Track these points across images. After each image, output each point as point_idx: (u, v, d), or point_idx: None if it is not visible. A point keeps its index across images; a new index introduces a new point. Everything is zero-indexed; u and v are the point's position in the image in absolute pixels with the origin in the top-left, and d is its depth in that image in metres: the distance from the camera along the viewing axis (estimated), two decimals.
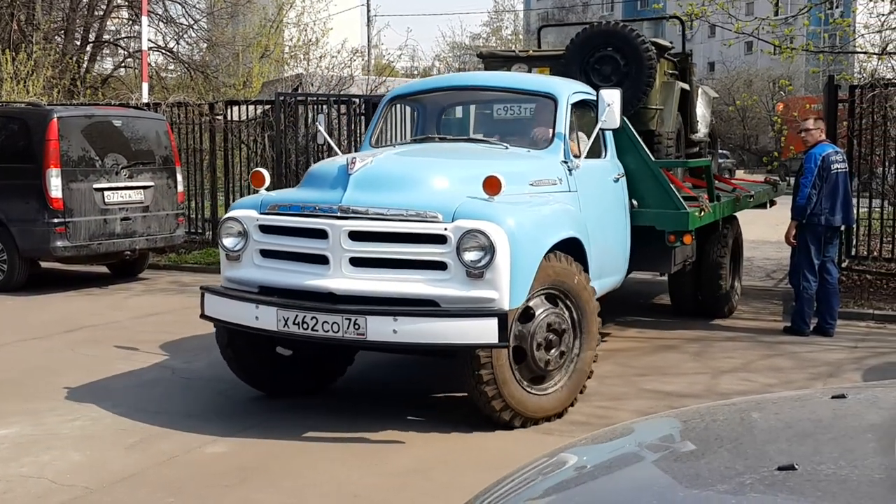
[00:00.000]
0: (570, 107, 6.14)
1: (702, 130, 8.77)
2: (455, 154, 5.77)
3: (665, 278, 9.09)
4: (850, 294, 8.67)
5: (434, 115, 6.85)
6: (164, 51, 21.29)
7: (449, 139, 6.25)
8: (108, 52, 22.99)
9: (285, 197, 5.26)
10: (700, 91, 8.85)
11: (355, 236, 4.77)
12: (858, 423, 1.97)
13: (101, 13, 20.58)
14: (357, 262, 4.79)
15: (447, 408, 5.40)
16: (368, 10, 39.27)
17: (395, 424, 5.12)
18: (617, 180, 6.59)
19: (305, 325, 4.69)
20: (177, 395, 5.74)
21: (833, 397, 2.18)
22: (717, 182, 8.41)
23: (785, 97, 24.61)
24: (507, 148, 5.90)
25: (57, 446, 4.80)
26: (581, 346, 5.22)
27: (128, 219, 9.92)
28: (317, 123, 6.99)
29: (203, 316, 5.25)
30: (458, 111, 7.06)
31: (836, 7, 14.91)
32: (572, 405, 5.24)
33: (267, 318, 4.81)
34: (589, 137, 6.18)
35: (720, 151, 10.52)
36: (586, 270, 5.37)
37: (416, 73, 37.89)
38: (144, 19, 16.12)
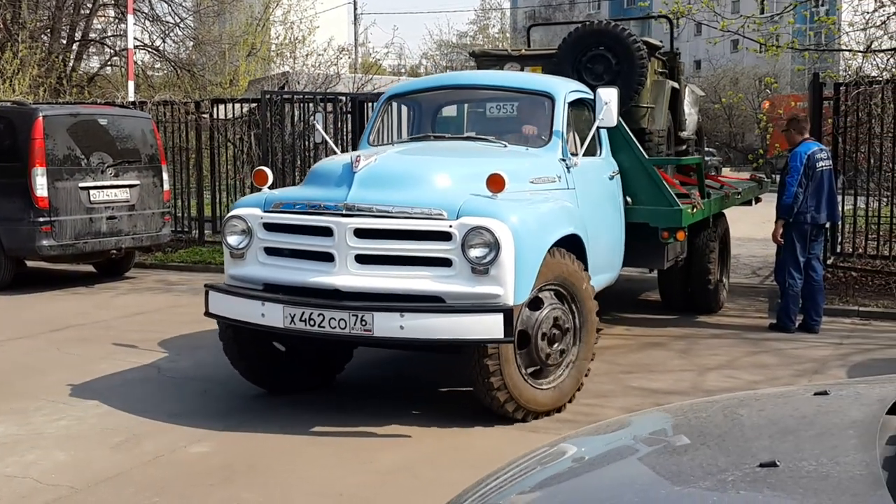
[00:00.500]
0: (567, 105, 6.21)
1: (689, 128, 8.83)
2: (456, 152, 5.82)
3: (653, 275, 9.16)
4: (835, 291, 8.72)
5: (432, 113, 6.89)
6: (150, 49, 21.18)
7: (447, 137, 6.30)
8: (94, 50, 22.86)
9: (289, 195, 5.29)
10: (687, 90, 8.91)
11: (360, 234, 4.82)
12: (840, 420, 1.98)
13: (88, 11, 20.45)
14: (362, 259, 4.83)
15: (434, 405, 5.40)
16: (355, 8, 39.22)
17: (382, 422, 5.12)
18: (612, 178, 6.67)
19: (312, 322, 4.72)
20: (162, 395, 5.72)
21: (816, 394, 2.19)
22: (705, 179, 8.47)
23: (771, 95, 24.72)
24: (505, 146, 5.96)
25: (42, 446, 4.77)
26: (580, 341, 5.30)
27: (114, 217, 9.86)
28: (315, 122, 7.04)
29: (207, 313, 5.27)
30: (456, 110, 7.10)
31: (822, 5, 14.97)
32: (570, 400, 5.31)
33: (273, 315, 4.83)
34: (585, 136, 6.24)
35: (707, 149, 10.58)
36: (585, 267, 5.45)
37: (403, 71, 37.86)
38: (130, 17, 16.04)
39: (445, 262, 4.73)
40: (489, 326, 4.56)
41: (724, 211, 8.68)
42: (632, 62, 7.13)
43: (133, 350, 6.89)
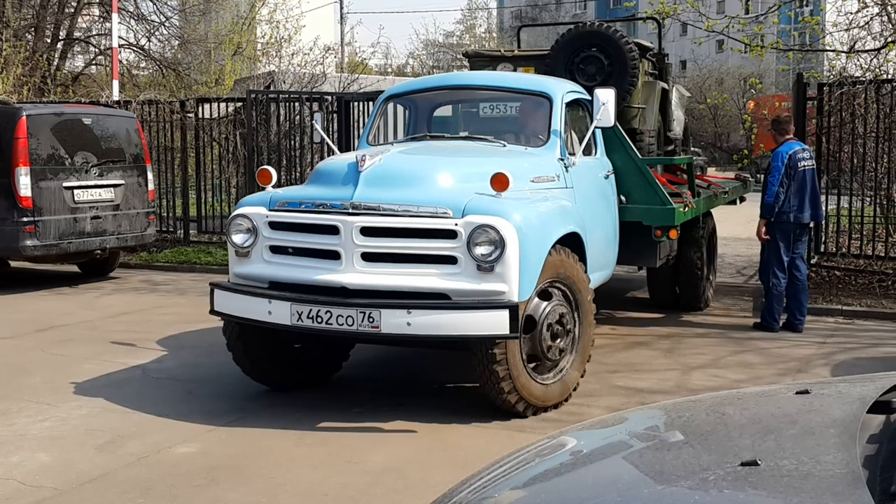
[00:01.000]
0: (564, 106, 6.28)
1: (677, 129, 8.92)
2: (459, 152, 5.90)
3: (639, 274, 9.22)
4: (818, 290, 8.78)
5: (430, 113, 6.96)
6: (135, 48, 21.04)
7: (447, 137, 6.36)
8: (78, 49, 22.68)
9: (295, 194, 5.34)
10: (675, 90, 8.99)
11: (367, 232, 4.88)
12: (822, 419, 1.99)
13: (72, 10, 20.28)
14: (368, 256, 4.89)
15: (421, 405, 5.40)
16: (341, 8, 39.12)
17: (369, 422, 5.11)
18: (607, 177, 6.77)
19: (320, 319, 4.76)
20: (147, 395, 5.68)
21: (797, 393, 2.21)
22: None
23: (755, 95, 24.85)
24: (504, 146, 6.03)
25: (25, 447, 4.74)
26: (580, 336, 5.40)
27: (98, 217, 9.81)
28: (314, 122, 7.10)
29: (213, 311, 5.31)
30: (454, 110, 7.16)
31: (806, 5, 15.07)
32: (567, 399, 5.37)
33: (280, 312, 4.88)
34: (581, 136, 6.35)
35: (692, 149, 10.65)
36: (584, 264, 5.56)
37: (389, 70, 37.81)
38: (115, 16, 15.93)
39: (451, 260, 4.81)
40: (495, 323, 4.64)
41: (711, 210, 8.77)
42: (624, 63, 7.24)
43: (118, 350, 6.85)
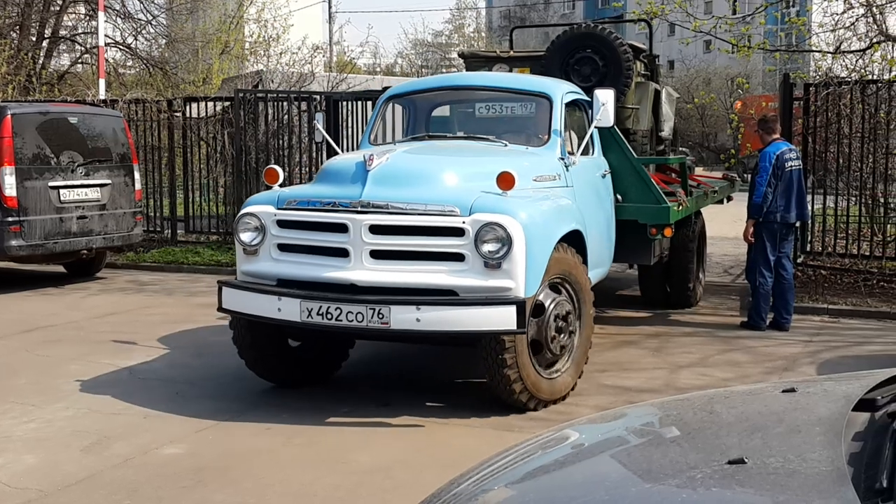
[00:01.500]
0: (563, 106, 6.37)
1: (667, 129, 9.00)
2: (463, 151, 5.98)
3: (627, 272, 9.27)
4: (804, 289, 8.83)
5: (431, 113, 7.04)
6: (121, 47, 20.92)
7: (449, 137, 6.43)
8: (64, 47, 22.53)
9: (303, 193, 5.41)
10: (664, 91, 9.06)
11: (376, 230, 4.96)
12: (808, 417, 2.00)
13: (58, 8, 20.14)
14: (377, 254, 4.97)
15: (408, 405, 5.39)
16: (330, 7, 39.04)
17: (358, 422, 5.11)
18: (604, 176, 6.87)
19: (329, 316, 4.84)
20: (133, 396, 5.65)
21: (784, 391, 2.22)
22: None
23: (742, 95, 24.96)
24: (506, 145, 6.11)
25: (10, 449, 4.70)
26: (580, 332, 5.54)
27: (84, 217, 9.75)
28: (315, 122, 7.16)
29: (221, 309, 5.36)
30: (455, 110, 7.23)
31: (792, 6, 15.15)
32: (565, 397, 5.46)
33: (290, 309, 4.95)
34: (580, 136, 6.48)
35: (680, 149, 10.71)
36: (585, 262, 5.68)
37: (378, 70, 37.77)
38: (101, 15, 15.84)
39: (458, 257, 4.90)
40: (503, 318, 4.74)
41: (700, 209, 8.86)
42: (618, 64, 7.35)
43: (104, 351, 6.81)
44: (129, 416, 5.22)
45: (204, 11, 23.22)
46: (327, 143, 6.96)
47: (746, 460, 1.68)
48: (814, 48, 11.51)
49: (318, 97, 11.66)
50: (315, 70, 17.75)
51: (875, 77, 9.77)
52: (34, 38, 19.76)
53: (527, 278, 4.90)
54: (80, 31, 21.68)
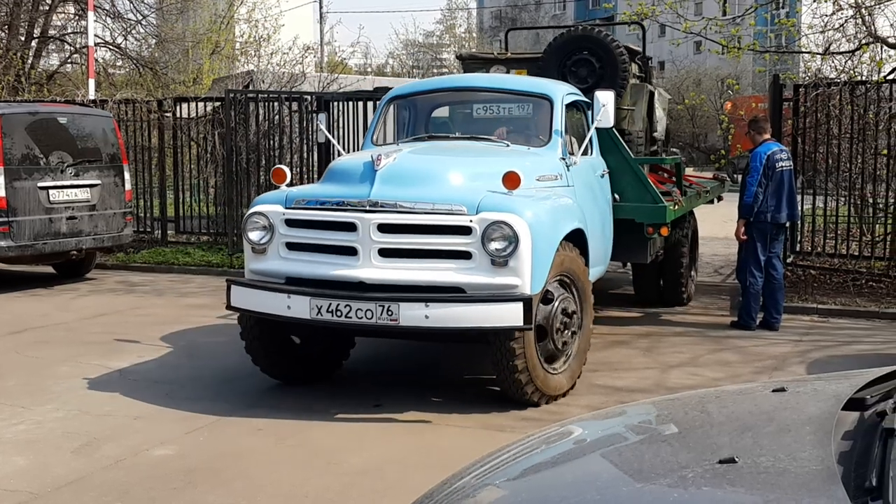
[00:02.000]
0: (564, 107, 6.45)
1: (660, 130, 9.06)
2: (467, 152, 6.05)
3: (618, 272, 9.31)
4: (794, 289, 8.87)
5: (431, 114, 7.12)
6: (111, 46, 20.83)
7: (451, 137, 6.49)
8: (53, 47, 22.41)
9: (311, 192, 5.48)
10: (656, 93, 9.12)
11: (384, 228, 5.04)
12: (798, 416, 2.01)
13: (47, 8, 20.03)
14: (385, 252, 5.06)
15: (400, 406, 5.39)
16: (321, 7, 39.00)
17: (349, 423, 5.11)
18: (603, 176, 6.96)
19: (339, 313, 4.92)
20: (124, 398, 5.63)
21: (774, 391, 2.23)
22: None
23: (732, 96, 25.05)
24: (507, 146, 6.19)
25: (0, 451, 4.67)
26: (581, 328, 5.66)
27: (74, 218, 9.71)
28: (318, 122, 7.23)
29: (229, 307, 5.42)
30: (456, 111, 7.29)
31: (782, 7, 15.21)
32: (566, 393, 5.54)
33: (299, 307, 5.03)
34: (579, 136, 6.61)
35: (671, 149, 10.78)
36: (586, 260, 5.79)
37: (369, 70, 37.74)
38: (91, 14, 15.77)
39: (465, 255, 4.99)
40: (510, 315, 4.84)
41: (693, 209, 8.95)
42: (614, 66, 7.45)
43: (94, 352, 6.79)
44: (120, 418, 5.20)
45: (194, 11, 23.15)
46: (326, 143, 7.00)
47: (737, 460, 1.69)
48: (803, 49, 11.56)
49: (308, 97, 11.64)
50: (306, 70, 17.72)
51: (864, 78, 9.82)
52: (23, 38, 19.65)
53: (533, 276, 4.98)
54: (69, 30, 21.58)
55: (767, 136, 7.72)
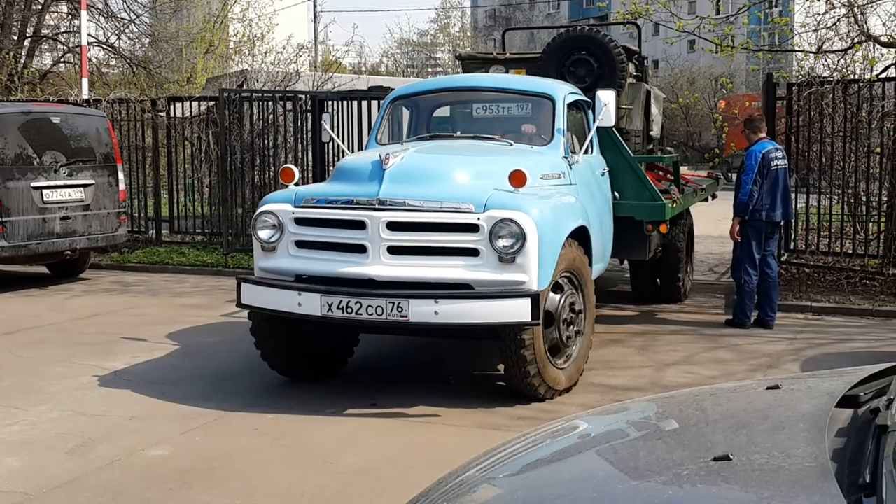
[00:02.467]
0: (566, 106, 6.51)
1: (656, 129, 9.10)
2: (473, 151, 6.11)
3: (613, 271, 9.34)
4: (788, 287, 8.89)
5: (432, 114, 7.18)
6: (104, 46, 20.77)
7: (456, 136, 6.53)
8: (46, 47, 22.34)
9: (321, 191, 5.55)
10: (653, 92, 9.16)
11: (393, 226, 5.11)
12: (792, 414, 2.02)
13: (40, 7, 19.96)
14: (394, 250, 5.13)
15: (395, 405, 5.40)
16: (315, 6, 38.94)
17: (345, 422, 5.11)
18: (603, 174, 7.03)
19: (350, 310, 4.99)
20: (118, 398, 5.62)
21: (768, 388, 2.23)
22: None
23: (726, 95, 25.09)
24: (511, 144, 6.25)
25: None
26: (584, 325, 5.77)
27: (67, 218, 9.68)
28: (322, 122, 7.27)
29: (240, 304, 5.47)
30: (460, 110, 7.34)
31: (775, 6, 15.25)
32: (566, 390, 5.61)
33: (310, 304, 5.09)
34: (580, 135, 6.70)
35: (666, 148, 10.83)
36: (590, 257, 5.88)
37: (363, 69, 37.70)
38: (84, 14, 15.73)
39: (473, 252, 5.07)
40: (518, 310, 4.93)
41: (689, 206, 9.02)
42: (612, 66, 7.52)
43: (88, 353, 6.77)
44: (115, 418, 5.19)
45: (188, 10, 23.11)
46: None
47: (732, 457, 1.70)
48: (796, 48, 11.60)
49: (303, 97, 11.62)
50: (300, 69, 17.70)
51: (857, 77, 9.85)
52: (15, 37, 19.58)
53: (539, 272, 5.07)
54: (62, 30, 21.51)
55: (763, 134, 7.74)
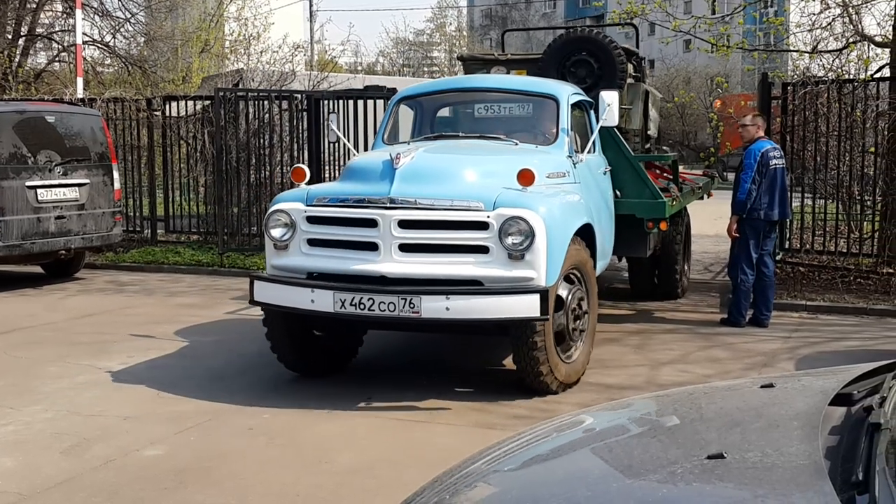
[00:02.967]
0: (569, 106, 6.60)
1: (652, 128, 9.14)
2: (480, 150, 6.20)
3: (609, 269, 9.37)
4: (783, 286, 8.91)
5: (436, 114, 7.24)
6: (99, 45, 20.73)
7: (462, 136, 6.60)
8: (41, 45, 22.28)
9: (332, 190, 5.65)
10: (650, 92, 9.21)
11: (404, 224, 5.20)
12: (786, 412, 2.02)
13: (34, 6, 19.91)
14: (405, 247, 5.21)
15: (389, 404, 5.40)
16: (311, 5, 38.92)
17: (340, 422, 5.10)
18: (605, 173, 7.11)
19: (362, 306, 5.08)
20: (113, 398, 5.61)
21: (762, 387, 2.24)
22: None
23: (722, 94, 25.13)
24: (516, 144, 6.33)
25: None
26: (589, 320, 5.89)
27: (62, 217, 9.66)
28: (329, 122, 7.33)
29: (252, 301, 5.56)
30: (464, 110, 7.40)
31: (770, 6, 15.28)
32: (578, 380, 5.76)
33: (323, 300, 5.17)
34: (583, 135, 6.80)
35: (662, 147, 10.88)
36: (594, 254, 5.98)
37: (359, 68, 37.70)
38: (79, 12, 15.69)
39: (483, 250, 5.17)
40: (527, 306, 5.03)
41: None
42: (612, 67, 7.61)
43: (83, 352, 6.76)
44: (109, 418, 5.18)
45: (183, 9, 23.07)
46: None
47: (726, 455, 1.70)
48: (791, 48, 11.62)
49: (299, 96, 11.61)
50: (296, 69, 17.67)
51: (851, 76, 9.88)
52: (10, 36, 19.53)
53: (548, 269, 5.16)
54: (57, 28, 21.46)
55: (761, 133, 7.76)
